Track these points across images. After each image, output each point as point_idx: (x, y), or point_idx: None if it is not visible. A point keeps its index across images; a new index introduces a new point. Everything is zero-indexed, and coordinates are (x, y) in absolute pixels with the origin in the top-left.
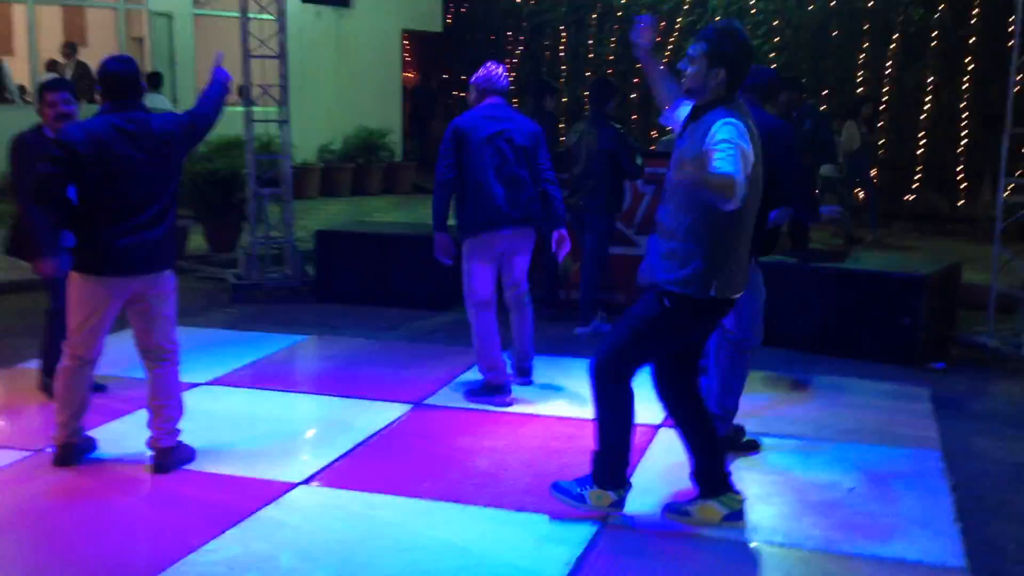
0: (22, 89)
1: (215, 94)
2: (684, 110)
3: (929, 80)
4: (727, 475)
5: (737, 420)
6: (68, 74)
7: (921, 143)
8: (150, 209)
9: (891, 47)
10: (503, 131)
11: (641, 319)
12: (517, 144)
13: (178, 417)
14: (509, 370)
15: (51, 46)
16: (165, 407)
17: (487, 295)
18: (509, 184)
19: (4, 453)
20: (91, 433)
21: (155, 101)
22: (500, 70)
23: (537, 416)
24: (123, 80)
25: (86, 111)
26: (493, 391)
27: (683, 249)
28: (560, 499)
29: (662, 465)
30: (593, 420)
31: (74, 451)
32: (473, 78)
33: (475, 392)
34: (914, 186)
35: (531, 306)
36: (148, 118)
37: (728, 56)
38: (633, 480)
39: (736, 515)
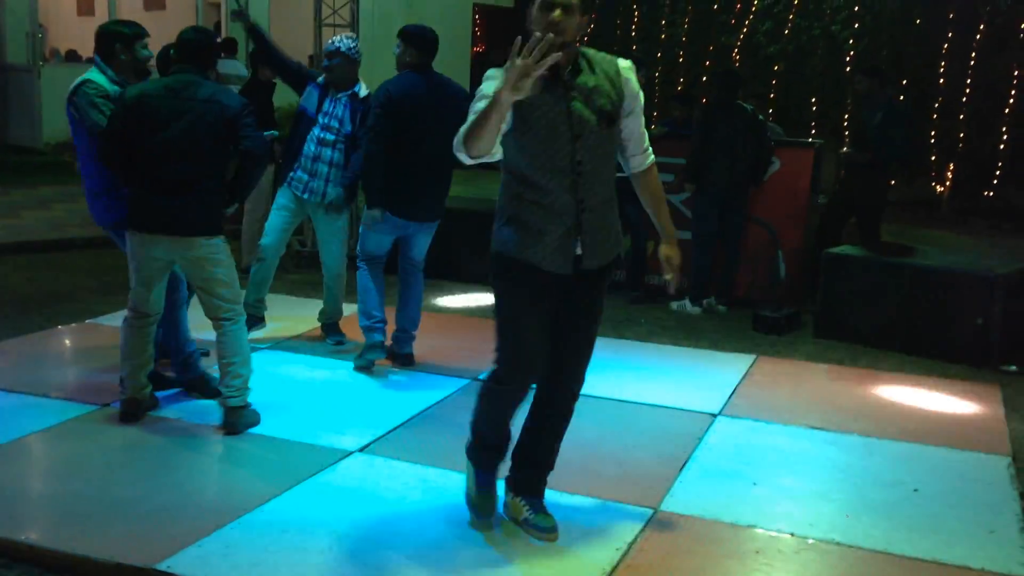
0: None
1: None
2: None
3: (1015, 73)
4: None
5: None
6: None
7: (1003, 137)
8: (176, 173)
9: (976, 37)
10: None
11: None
12: None
13: (245, 375)
14: None
15: (130, 7)
16: (230, 365)
17: None
18: None
19: (71, 406)
20: (171, 392)
21: (228, 67)
22: None
23: (592, 398)
24: (178, 47)
25: None
26: None
27: None
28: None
29: (718, 452)
30: (558, 436)
31: (139, 407)
32: None
33: None
34: (993, 181)
35: None
36: (197, 83)
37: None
38: (692, 466)
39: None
